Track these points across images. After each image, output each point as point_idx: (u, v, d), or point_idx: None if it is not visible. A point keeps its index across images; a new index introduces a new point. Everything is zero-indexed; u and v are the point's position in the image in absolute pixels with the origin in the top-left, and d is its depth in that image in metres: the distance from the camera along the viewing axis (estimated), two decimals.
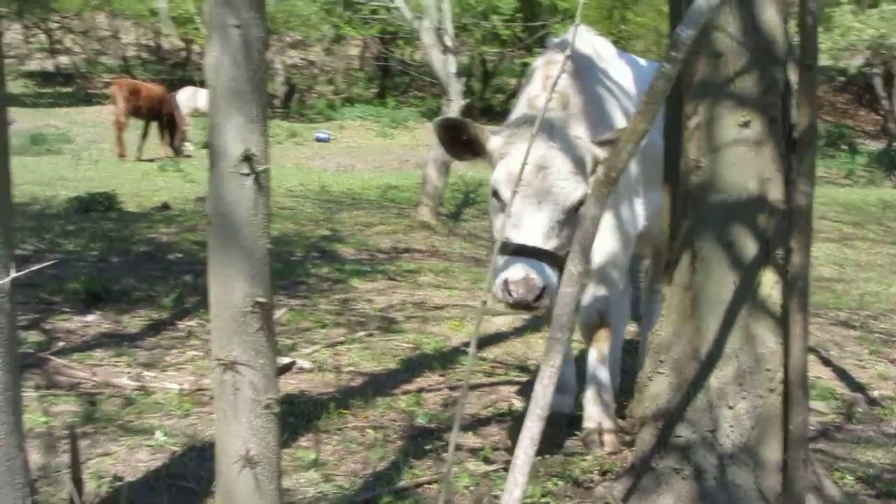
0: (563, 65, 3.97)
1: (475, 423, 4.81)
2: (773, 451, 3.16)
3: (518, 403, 5.19)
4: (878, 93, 26.53)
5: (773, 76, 3.10)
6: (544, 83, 4.26)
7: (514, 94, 31.45)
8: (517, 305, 3.62)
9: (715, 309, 3.17)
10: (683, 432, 3.21)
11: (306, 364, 5.87)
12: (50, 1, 28.07)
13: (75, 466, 3.00)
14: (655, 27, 19.83)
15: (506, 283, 3.61)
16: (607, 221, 4.50)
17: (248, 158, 2.28)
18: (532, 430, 2.44)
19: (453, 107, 12.24)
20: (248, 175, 2.30)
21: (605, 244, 4.42)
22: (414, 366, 6.05)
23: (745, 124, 3.08)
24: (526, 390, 5.50)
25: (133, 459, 4.05)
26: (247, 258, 2.37)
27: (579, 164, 3.77)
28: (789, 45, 3.18)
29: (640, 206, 4.66)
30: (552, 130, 3.81)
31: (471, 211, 14.35)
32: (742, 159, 3.11)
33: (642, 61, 5.33)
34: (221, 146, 2.33)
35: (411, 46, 29.64)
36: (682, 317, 3.26)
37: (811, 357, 6.32)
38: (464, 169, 16.21)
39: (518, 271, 3.59)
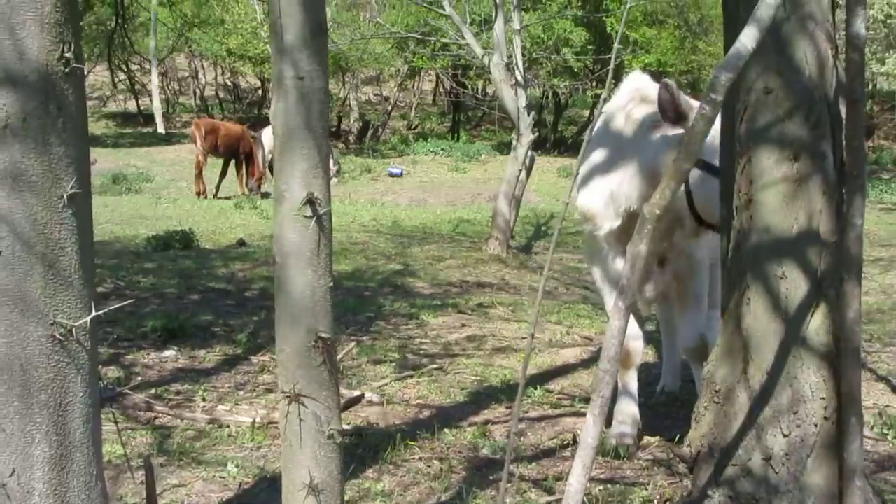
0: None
1: (539, 454, 4.88)
2: (828, 481, 3.19)
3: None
4: None
5: (821, 111, 3.15)
6: None
7: (586, 127, 31.57)
8: None
9: (767, 340, 3.22)
10: (738, 462, 3.26)
11: (375, 397, 5.99)
12: (132, 43, 28.95)
13: (151, 496, 3.15)
14: None
15: None
16: (706, 259, 4.73)
17: (310, 202, 2.42)
18: (584, 458, 2.52)
19: (524, 140, 12.36)
20: (310, 217, 2.44)
21: (698, 277, 4.78)
22: (481, 398, 6.13)
23: (795, 159, 3.13)
24: None
25: (206, 490, 4.20)
26: (310, 295, 2.51)
27: None
28: (838, 80, 3.22)
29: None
30: None
31: (541, 243, 14.41)
32: (792, 194, 3.16)
33: None
34: (286, 190, 2.48)
35: (483, 80, 29.89)
36: (734, 348, 3.31)
37: (882, 386, 6.27)
38: (535, 202, 16.28)
39: None
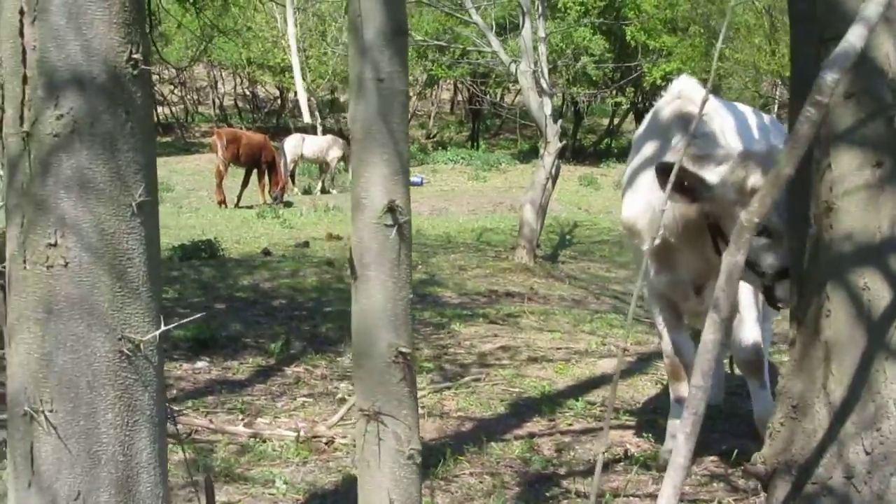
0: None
1: (591, 469, 4.74)
2: None
3: (633, 448, 5.11)
4: None
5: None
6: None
7: (608, 134, 31.46)
8: None
9: (848, 352, 3.08)
10: (818, 479, 3.12)
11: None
12: (158, 51, 28.94)
13: None
14: (753, 63, 19.58)
15: None
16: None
17: (392, 210, 2.31)
18: (675, 479, 2.40)
19: (550, 149, 12.25)
20: (391, 226, 2.33)
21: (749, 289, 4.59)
22: (522, 410, 6.02)
23: (878, 164, 3.00)
24: (639, 433, 5.42)
25: None
26: (391, 308, 2.40)
27: None
28: None
29: None
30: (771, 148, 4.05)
31: (567, 252, 14.29)
32: (874, 201, 3.03)
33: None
34: (365, 197, 2.37)
35: (502, 88, 29.80)
36: (812, 361, 3.17)
37: None
38: (557, 210, 16.14)
39: None
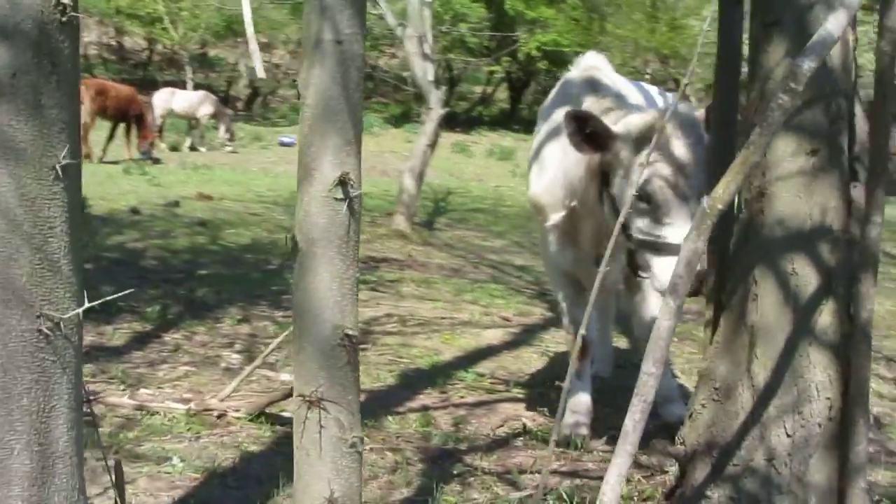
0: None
1: (492, 445, 4.69)
2: (829, 479, 3.12)
3: (529, 422, 5.07)
4: None
5: (841, 104, 3.04)
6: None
7: (481, 102, 31.48)
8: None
9: (774, 337, 3.10)
10: (740, 461, 3.14)
11: None
12: None
13: (122, 500, 2.81)
14: (634, 40, 19.85)
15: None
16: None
17: (343, 182, 2.15)
18: (621, 466, 2.35)
19: (433, 116, 12.13)
20: (342, 200, 2.17)
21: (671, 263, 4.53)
22: (413, 382, 5.92)
23: (813, 153, 3.01)
24: (533, 407, 5.40)
25: (152, 488, 3.85)
26: (338, 288, 2.24)
27: (705, 154, 3.87)
28: (855, 76, 3.12)
29: None
30: (692, 127, 3.93)
31: (443, 220, 14.24)
32: (807, 188, 3.04)
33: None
34: (315, 168, 2.20)
35: (377, 51, 29.45)
36: (737, 344, 3.18)
37: None
38: (430, 177, 16.00)
39: None
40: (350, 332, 2.27)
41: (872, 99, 2.81)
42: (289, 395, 4.98)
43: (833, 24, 2.12)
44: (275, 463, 4.16)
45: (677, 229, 3.75)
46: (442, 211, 15.08)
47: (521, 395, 5.75)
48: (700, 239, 2.24)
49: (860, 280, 2.93)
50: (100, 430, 4.49)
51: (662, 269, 3.76)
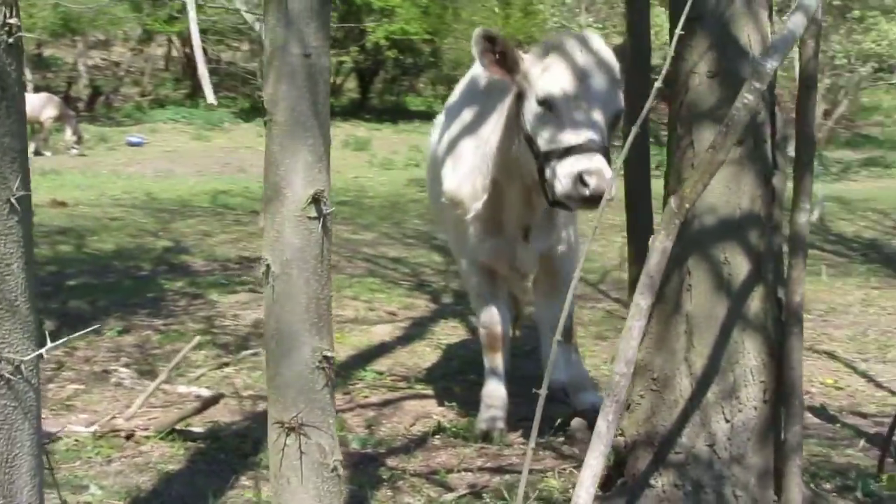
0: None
1: (411, 445, 4.65)
2: (768, 461, 3.23)
3: (441, 419, 5.06)
4: None
5: (763, 96, 3.11)
6: None
7: (331, 93, 31.14)
8: (593, 198, 3.65)
9: (709, 325, 3.18)
10: (682, 448, 3.21)
11: (204, 391, 5.55)
12: None
13: None
14: (488, 27, 19.96)
15: (580, 176, 3.67)
16: (573, 237, 4.62)
17: (316, 200, 2.07)
18: (594, 468, 2.35)
19: None
20: (316, 219, 2.08)
21: (566, 254, 4.70)
22: None
23: (739, 143, 3.08)
24: (441, 403, 5.39)
25: None
26: (314, 309, 2.16)
27: (615, 77, 3.94)
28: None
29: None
30: (587, 43, 3.98)
31: None
32: (735, 178, 3.12)
33: None
34: (286, 187, 2.10)
35: (222, 45, 28.81)
36: (673, 334, 3.24)
37: None
38: None
39: (589, 163, 3.67)
40: (328, 354, 2.19)
41: (797, 89, 2.90)
42: (200, 409, 4.86)
43: (794, 25, 2.17)
44: (196, 482, 4.03)
45: (578, 131, 3.78)
46: None
47: (425, 392, 5.73)
48: (668, 238, 2.26)
49: (792, 265, 3.02)
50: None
51: (564, 170, 3.75)
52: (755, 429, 3.18)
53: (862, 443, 4.60)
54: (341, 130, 26.47)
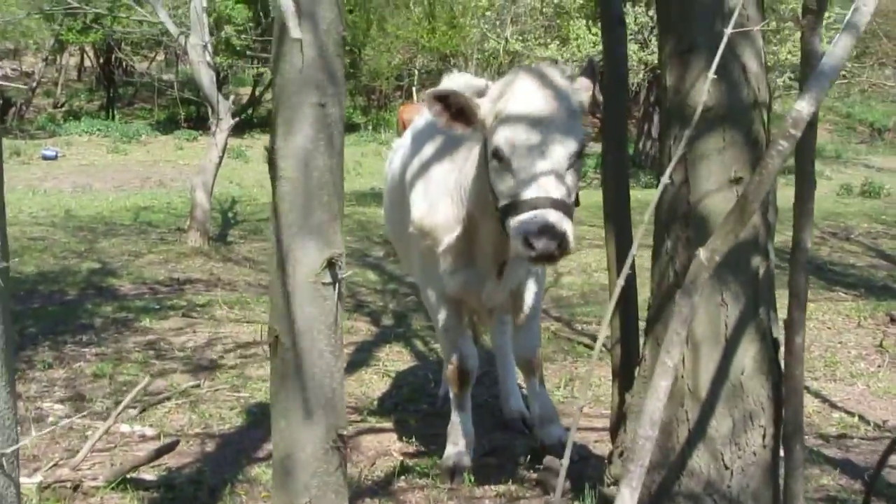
0: None
1: (377, 489, 4.45)
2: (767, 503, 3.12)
3: (400, 456, 4.88)
4: (597, 98, 27.60)
5: (759, 132, 3.05)
6: None
7: (248, 105, 30.75)
8: (541, 258, 3.52)
9: (707, 369, 3.07)
10: (680, 495, 3.10)
11: (148, 430, 5.28)
12: None
13: None
14: (415, 40, 19.89)
15: (527, 236, 3.51)
16: (542, 269, 4.49)
17: (331, 265, 1.87)
18: None
19: (223, 126, 11.66)
20: (330, 284, 1.89)
21: (535, 288, 4.55)
22: (260, 419, 5.58)
23: (737, 181, 2.98)
24: (400, 438, 5.22)
25: None
26: (328, 383, 1.96)
27: (575, 111, 3.77)
28: (770, 101, 3.12)
29: None
30: (541, 81, 3.79)
31: (236, 232, 13.75)
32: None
33: None
34: (298, 250, 1.90)
35: (139, 56, 28.18)
36: None
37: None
38: (216, 189, 15.37)
39: (536, 222, 3.50)
40: (343, 433, 2.00)
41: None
42: (154, 457, 4.59)
43: (828, 64, 2.04)
44: None
45: (528, 186, 3.61)
46: (232, 223, 14.56)
47: (380, 425, 5.54)
48: (696, 291, 2.13)
49: (793, 306, 2.92)
50: None
51: (513, 229, 3.60)
52: (755, 474, 3.08)
53: (837, 472, 4.55)
54: (261, 143, 26.11)
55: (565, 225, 3.50)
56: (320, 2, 1.81)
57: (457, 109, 3.87)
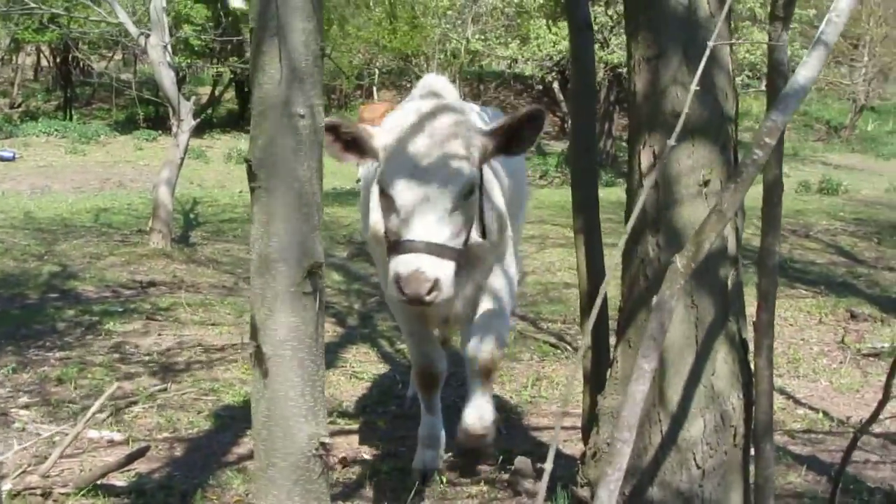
0: None
1: (349, 492, 4.46)
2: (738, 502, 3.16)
3: (373, 459, 4.89)
4: (557, 96, 27.73)
5: (728, 133, 3.08)
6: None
7: (209, 105, 30.59)
8: (412, 301, 3.53)
9: (679, 371, 3.11)
10: (652, 495, 3.13)
11: (116, 436, 5.25)
12: None
13: None
14: (376, 41, 19.87)
15: (397, 279, 3.50)
16: (512, 268, 4.46)
17: (311, 274, 1.88)
18: None
19: (185, 126, 11.59)
20: (311, 294, 1.90)
21: (499, 292, 4.44)
22: (228, 423, 5.58)
23: (705, 183, 3.02)
24: (369, 440, 5.23)
25: None
26: (310, 392, 1.97)
27: (466, 148, 3.69)
28: (737, 103, 3.16)
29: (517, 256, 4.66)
30: (436, 116, 3.73)
31: (199, 233, 13.66)
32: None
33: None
34: (279, 261, 1.90)
35: (96, 55, 27.89)
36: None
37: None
38: (177, 190, 15.32)
39: (406, 266, 3.48)
40: (325, 441, 2.02)
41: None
42: (125, 463, 4.56)
43: (803, 77, 2.08)
44: None
45: (405, 227, 3.57)
46: (195, 224, 14.46)
47: (349, 427, 5.55)
48: (673, 298, 2.16)
49: (761, 309, 2.96)
50: None
51: (393, 266, 3.56)
52: (726, 473, 3.12)
53: (804, 469, 4.63)
54: (221, 143, 26.01)
55: (439, 271, 3.48)
56: (299, 12, 1.82)
57: (349, 140, 3.78)
